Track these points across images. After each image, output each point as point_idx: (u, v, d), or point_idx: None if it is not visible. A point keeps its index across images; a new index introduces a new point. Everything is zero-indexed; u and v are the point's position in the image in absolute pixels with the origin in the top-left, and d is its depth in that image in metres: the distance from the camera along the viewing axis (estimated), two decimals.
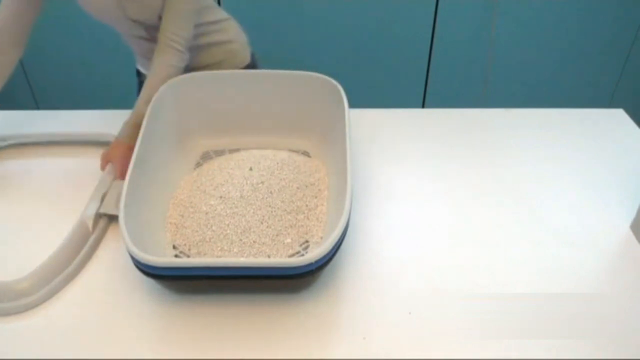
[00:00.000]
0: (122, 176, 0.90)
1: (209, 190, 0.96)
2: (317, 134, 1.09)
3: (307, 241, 0.88)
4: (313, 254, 0.72)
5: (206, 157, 1.09)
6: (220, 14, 1.25)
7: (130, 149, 0.91)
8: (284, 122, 1.12)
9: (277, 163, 1.01)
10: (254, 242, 0.86)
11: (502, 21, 1.99)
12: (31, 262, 0.82)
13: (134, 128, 0.98)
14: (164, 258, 0.79)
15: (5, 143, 1.12)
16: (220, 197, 0.94)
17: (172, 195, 0.97)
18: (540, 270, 0.86)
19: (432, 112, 1.29)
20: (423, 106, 2.21)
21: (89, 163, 1.07)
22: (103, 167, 1.01)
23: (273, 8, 1.99)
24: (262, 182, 0.96)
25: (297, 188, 0.96)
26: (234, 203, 0.92)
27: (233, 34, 1.28)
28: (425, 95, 2.18)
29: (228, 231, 0.88)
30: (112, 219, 0.93)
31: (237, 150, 1.10)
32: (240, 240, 0.86)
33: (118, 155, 0.99)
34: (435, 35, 2.02)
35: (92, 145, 1.13)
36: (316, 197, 0.95)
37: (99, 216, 0.91)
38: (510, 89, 2.17)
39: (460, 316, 0.78)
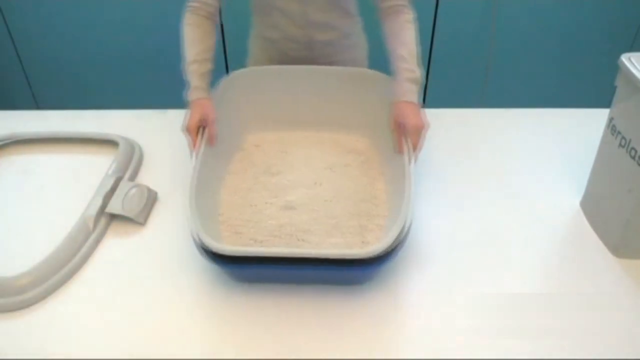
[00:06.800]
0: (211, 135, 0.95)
1: (261, 186, 0.97)
2: (372, 131, 1.10)
3: (363, 242, 0.87)
4: (377, 247, 0.73)
5: (256, 152, 1.09)
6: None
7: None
8: (336, 118, 1.12)
9: (331, 164, 1.02)
10: (316, 243, 0.86)
11: (502, 21, 1.99)
12: (32, 259, 0.82)
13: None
14: (247, 248, 0.80)
15: (8, 140, 1.12)
16: (274, 195, 0.95)
17: (221, 190, 0.97)
18: (541, 270, 0.86)
19: (432, 112, 1.28)
20: (423, 106, 2.21)
21: (91, 161, 1.07)
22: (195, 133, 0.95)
23: None
24: (321, 184, 0.97)
25: (354, 191, 0.97)
26: (288, 203, 0.92)
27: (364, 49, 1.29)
28: (425, 95, 2.18)
29: (287, 230, 0.88)
30: (114, 218, 0.93)
31: (290, 146, 1.10)
32: (299, 240, 0.87)
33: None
34: (435, 35, 2.02)
35: (94, 143, 1.13)
36: (373, 203, 0.95)
37: (99, 215, 0.91)
38: (510, 89, 2.17)
39: (463, 315, 0.79)
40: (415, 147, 0.93)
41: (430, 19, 1.99)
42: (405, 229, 0.76)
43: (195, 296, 0.81)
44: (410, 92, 0.99)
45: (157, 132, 1.18)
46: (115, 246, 0.90)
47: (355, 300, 0.80)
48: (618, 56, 0.84)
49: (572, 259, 0.89)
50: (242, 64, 1.25)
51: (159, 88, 2.13)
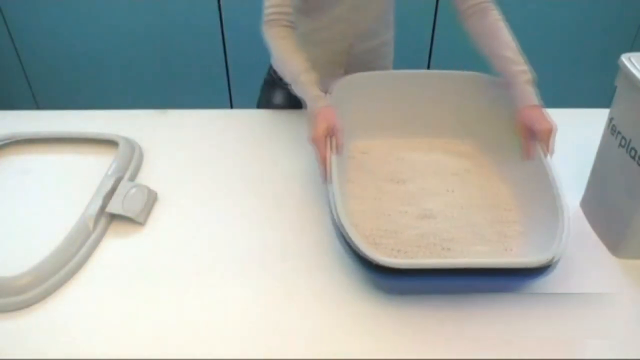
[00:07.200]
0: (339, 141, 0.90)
1: (390, 195, 0.96)
2: (476, 134, 1.08)
3: (505, 249, 0.87)
4: (549, 252, 0.73)
5: (367, 159, 1.06)
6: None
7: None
8: (440, 122, 1.10)
9: (455, 170, 1.02)
10: (460, 251, 0.86)
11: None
12: (32, 259, 0.82)
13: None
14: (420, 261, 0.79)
15: (8, 140, 1.12)
16: (407, 203, 0.93)
17: (347, 200, 0.94)
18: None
19: None
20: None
21: (91, 161, 1.07)
22: (323, 144, 0.89)
23: None
24: (452, 191, 0.96)
25: (484, 197, 0.96)
26: (426, 211, 0.91)
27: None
28: None
29: (428, 239, 0.87)
30: (114, 218, 0.93)
31: (403, 153, 1.07)
32: (443, 249, 0.86)
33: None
34: (435, 34, 2.02)
35: (94, 143, 1.12)
36: (505, 209, 0.94)
37: (99, 215, 0.91)
38: None
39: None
40: (548, 151, 0.92)
41: (430, 18, 1.99)
42: (568, 236, 0.76)
43: (195, 295, 0.81)
44: (532, 94, 0.96)
45: (157, 132, 1.18)
46: (115, 246, 0.90)
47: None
48: (618, 56, 0.84)
49: (572, 259, 0.88)
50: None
51: (159, 88, 2.14)
